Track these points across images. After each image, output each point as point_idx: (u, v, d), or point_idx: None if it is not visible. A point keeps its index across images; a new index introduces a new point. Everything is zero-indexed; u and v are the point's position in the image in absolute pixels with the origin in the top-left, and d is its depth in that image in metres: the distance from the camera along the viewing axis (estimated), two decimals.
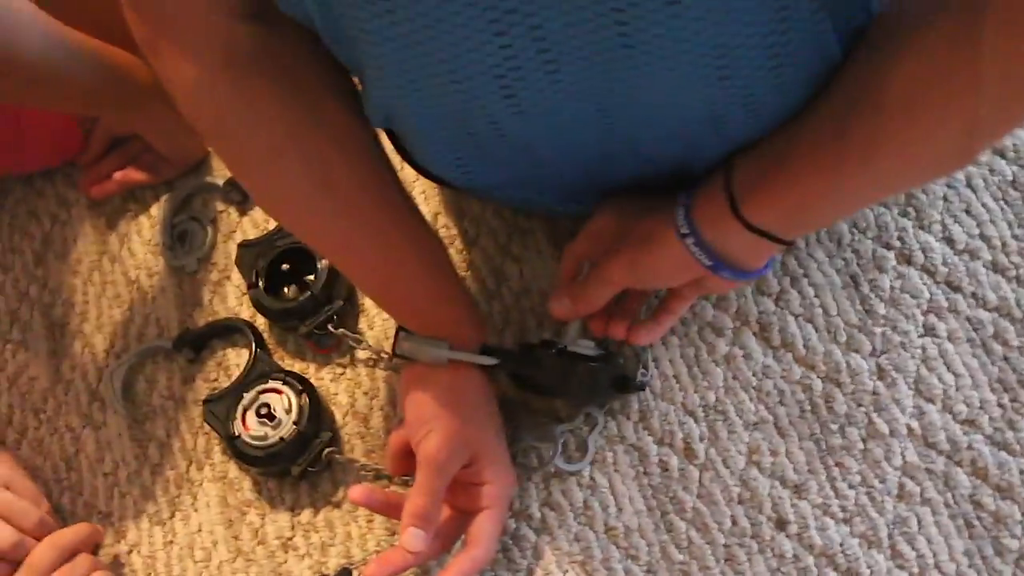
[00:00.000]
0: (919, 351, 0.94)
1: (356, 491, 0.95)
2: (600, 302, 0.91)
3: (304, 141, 0.82)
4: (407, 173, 1.03)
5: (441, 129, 0.80)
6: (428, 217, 1.10)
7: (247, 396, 1.05)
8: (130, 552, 1.11)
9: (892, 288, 0.96)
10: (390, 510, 0.96)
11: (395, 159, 0.91)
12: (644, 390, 0.99)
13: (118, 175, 1.23)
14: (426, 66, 0.71)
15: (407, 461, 0.94)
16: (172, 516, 1.11)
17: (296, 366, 1.11)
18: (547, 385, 0.96)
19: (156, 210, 1.23)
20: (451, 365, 0.92)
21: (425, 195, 1.12)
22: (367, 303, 1.11)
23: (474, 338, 0.94)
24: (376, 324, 1.10)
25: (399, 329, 0.93)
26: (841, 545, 0.91)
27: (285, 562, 1.05)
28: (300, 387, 1.05)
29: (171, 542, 1.10)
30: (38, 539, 1.03)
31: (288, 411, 1.04)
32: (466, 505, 0.94)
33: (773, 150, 0.76)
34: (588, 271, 0.91)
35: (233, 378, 1.10)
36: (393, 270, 0.91)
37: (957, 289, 0.95)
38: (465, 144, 0.82)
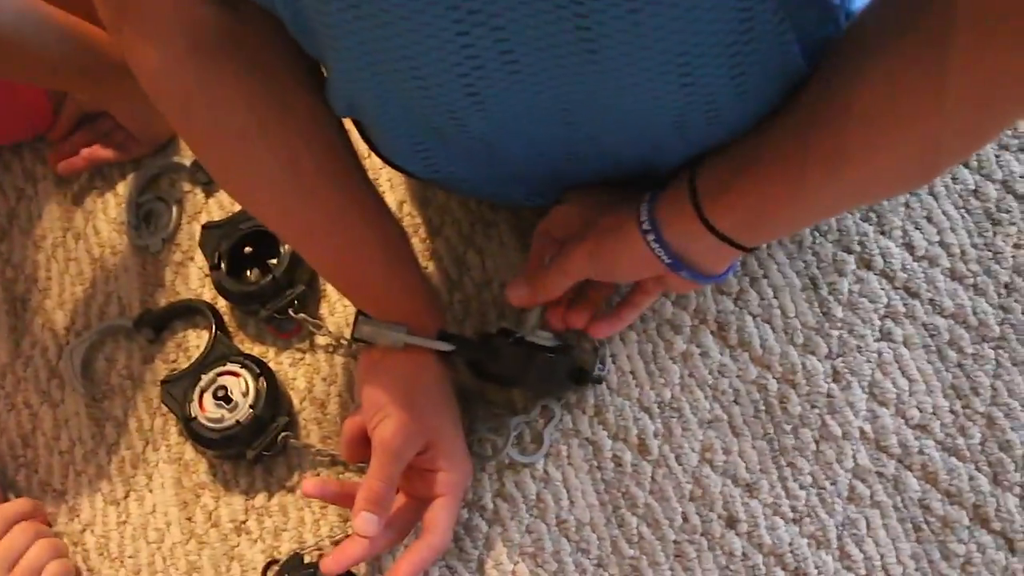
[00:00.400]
0: (875, 355, 0.95)
1: (309, 484, 0.96)
2: (557, 291, 0.91)
3: (269, 126, 0.82)
4: (373, 161, 1.03)
5: (404, 122, 0.80)
6: (393, 205, 1.10)
7: (205, 378, 1.05)
8: (83, 531, 1.10)
9: (851, 292, 0.97)
10: (344, 500, 0.95)
11: (361, 147, 0.91)
12: (601, 384, 0.99)
13: (86, 151, 1.22)
14: (388, 61, 0.71)
15: (362, 447, 0.93)
16: (127, 496, 1.10)
17: (256, 350, 1.11)
18: (504, 375, 0.96)
19: (122, 188, 1.23)
20: (408, 351, 0.92)
21: (391, 183, 1.12)
22: (328, 289, 1.11)
23: (432, 325, 0.94)
24: (337, 310, 1.10)
25: (358, 313, 0.93)
26: (790, 545, 0.92)
27: (238, 545, 1.05)
28: (258, 371, 1.05)
29: (125, 522, 1.09)
30: None
31: (245, 394, 1.04)
32: (421, 492, 0.94)
33: (738, 156, 0.77)
34: (550, 260, 0.91)
35: (192, 360, 1.09)
36: (353, 256, 0.91)
37: (915, 295, 0.95)
38: (428, 137, 0.82)
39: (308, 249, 0.95)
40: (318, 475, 1.04)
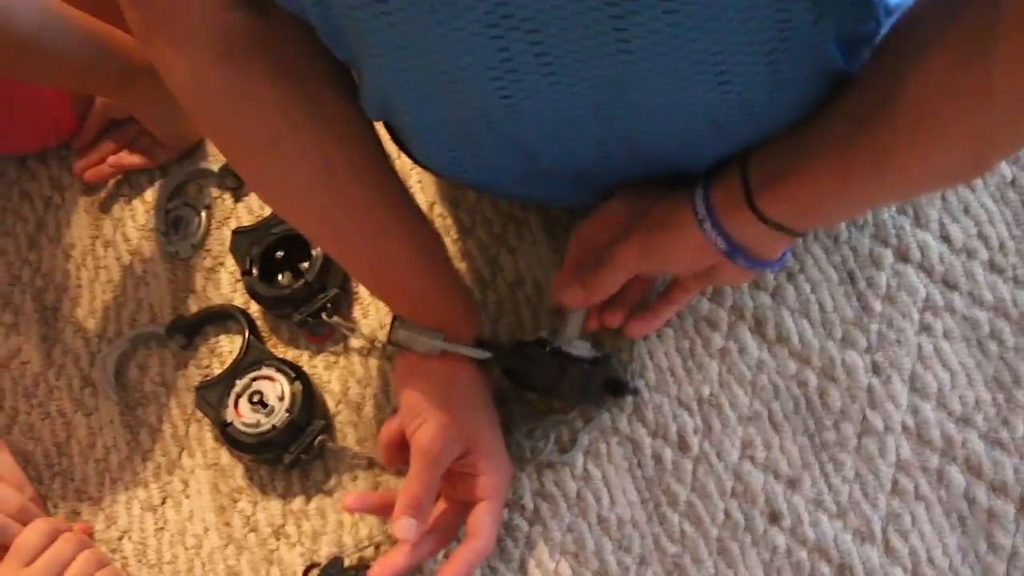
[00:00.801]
0: (915, 348, 0.94)
1: (350, 499, 0.96)
2: (612, 288, 0.90)
3: (301, 130, 0.82)
4: (403, 162, 1.03)
5: (437, 127, 0.80)
6: (424, 206, 1.10)
7: (240, 383, 1.05)
8: (121, 538, 1.10)
9: (889, 285, 0.96)
10: (385, 510, 0.96)
11: (391, 149, 0.91)
12: (637, 395, 0.99)
13: (112, 158, 1.22)
14: (422, 67, 0.71)
15: (400, 452, 0.93)
16: (163, 503, 1.10)
17: (289, 354, 1.11)
18: (539, 384, 0.96)
19: (150, 195, 1.23)
20: (445, 356, 0.92)
21: (421, 184, 1.12)
22: (362, 291, 1.11)
23: (469, 330, 0.94)
24: (370, 313, 1.09)
25: (395, 318, 0.93)
26: (834, 540, 0.91)
27: (276, 550, 1.05)
28: (293, 374, 1.05)
29: (162, 528, 1.09)
30: (23, 524, 1.03)
31: (281, 398, 1.03)
32: (463, 496, 0.94)
33: (788, 149, 0.77)
34: (596, 259, 0.91)
35: (226, 365, 1.09)
36: (388, 260, 0.91)
37: (954, 288, 0.95)
38: (460, 141, 0.82)
39: (342, 253, 0.95)
40: (355, 478, 1.04)
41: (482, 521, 0.91)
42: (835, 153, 0.73)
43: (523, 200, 1.07)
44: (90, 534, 1.10)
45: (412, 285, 0.93)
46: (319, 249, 1.08)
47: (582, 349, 0.93)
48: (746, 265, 0.84)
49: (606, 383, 0.96)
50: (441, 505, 0.96)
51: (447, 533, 0.95)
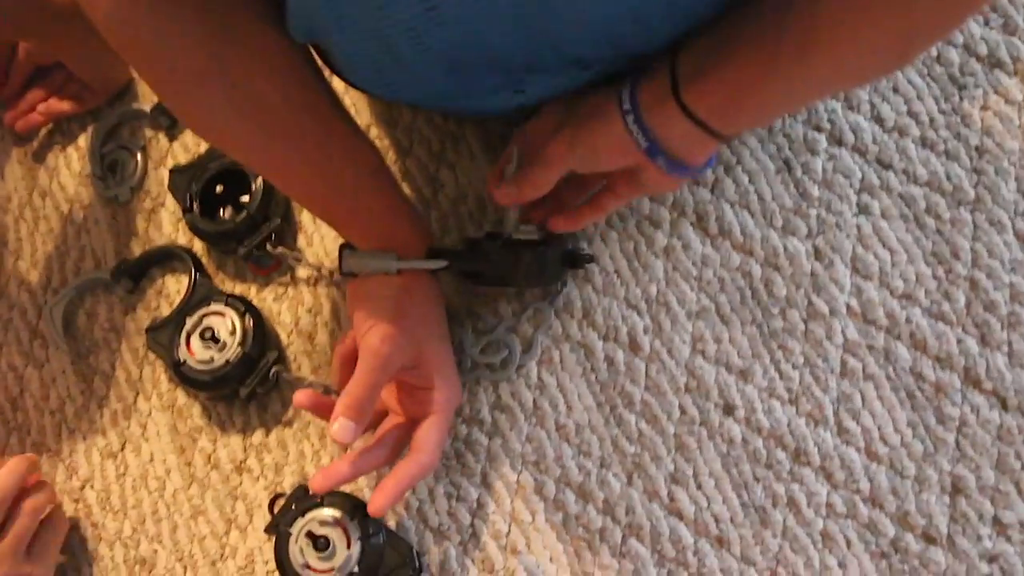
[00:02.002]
0: (854, 230, 0.95)
1: (300, 395, 0.94)
2: (543, 185, 0.89)
3: (228, 63, 0.81)
4: (337, 85, 1.02)
5: (362, 47, 0.79)
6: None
7: (190, 321, 1.05)
8: (83, 487, 1.10)
9: (825, 170, 0.97)
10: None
11: (324, 71, 0.90)
12: (592, 262, 0.99)
13: (42, 106, 1.21)
14: None
15: (352, 371, 0.91)
16: (123, 448, 1.10)
17: (237, 288, 1.11)
18: (496, 276, 0.95)
19: (84, 141, 1.22)
20: (399, 275, 0.91)
21: (355, 108, 1.11)
22: (305, 219, 1.10)
23: (420, 243, 0.93)
24: (315, 240, 1.09)
25: (342, 247, 0.93)
26: (788, 425, 0.92)
27: (240, 484, 1.05)
28: (243, 308, 1.04)
29: (124, 474, 1.09)
30: None
31: (232, 333, 1.03)
32: (411, 411, 0.94)
33: (717, 38, 0.77)
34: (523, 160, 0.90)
35: (175, 305, 1.09)
36: (332, 185, 0.90)
37: (888, 167, 0.96)
38: (388, 61, 0.81)
39: (285, 183, 0.95)
40: None
41: (428, 436, 0.91)
42: (760, 44, 0.73)
43: (459, 115, 1.06)
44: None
45: (359, 206, 0.92)
46: (259, 180, 1.07)
47: (529, 233, 0.93)
48: (666, 167, 0.83)
49: (562, 257, 0.97)
50: (390, 420, 0.95)
51: (394, 448, 0.94)
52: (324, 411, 0.93)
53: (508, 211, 0.93)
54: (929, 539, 0.88)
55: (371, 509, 0.89)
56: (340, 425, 0.86)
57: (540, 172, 0.88)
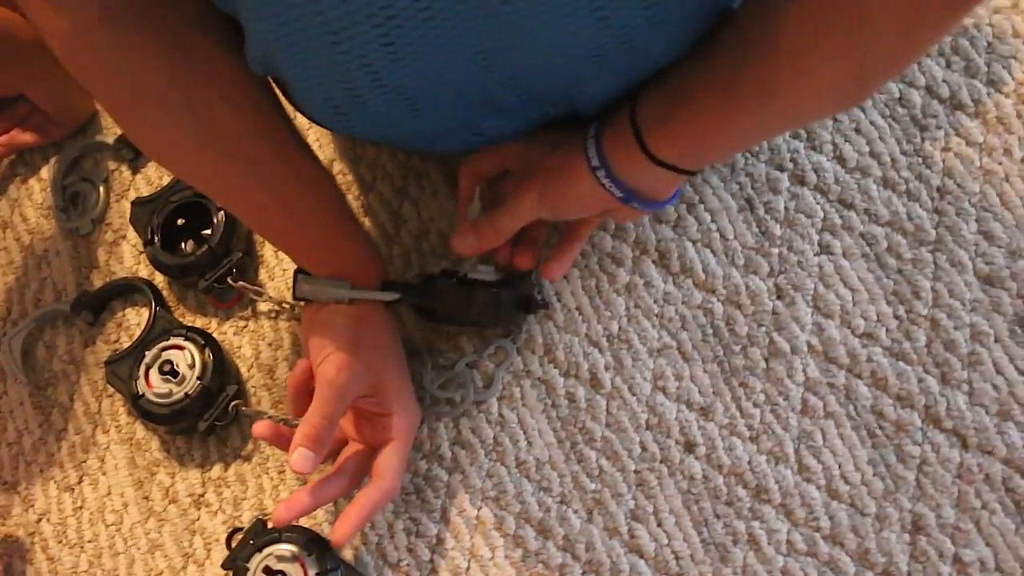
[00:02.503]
0: (816, 269, 0.95)
1: (259, 426, 0.93)
2: (508, 234, 0.91)
3: (188, 90, 0.80)
4: (300, 120, 1.02)
5: (321, 83, 0.79)
6: (324, 164, 1.09)
7: (149, 354, 1.04)
8: (39, 520, 1.09)
9: (787, 209, 0.97)
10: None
11: (288, 107, 0.90)
12: (547, 308, 1.00)
13: (4, 138, 1.20)
14: (300, 18, 0.70)
15: (309, 399, 0.91)
16: (80, 481, 1.09)
17: (198, 322, 1.10)
18: (449, 314, 0.96)
19: (46, 172, 1.21)
20: (350, 316, 0.91)
21: (319, 143, 1.11)
22: (267, 254, 1.10)
23: (374, 275, 0.93)
24: (276, 275, 1.09)
25: (296, 272, 0.92)
26: (749, 463, 0.92)
27: (198, 519, 1.04)
28: (203, 342, 1.04)
29: (81, 507, 1.08)
30: None
31: (192, 366, 1.02)
32: (370, 439, 0.93)
33: (674, 88, 0.77)
34: (487, 201, 0.91)
35: (134, 338, 1.08)
36: (289, 213, 0.90)
37: (850, 206, 0.96)
38: (346, 98, 0.80)
39: (242, 211, 0.94)
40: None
41: (388, 462, 0.91)
42: (722, 86, 0.74)
43: (419, 150, 1.06)
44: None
45: (314, 236, 0.92)
46: (221, 214, 1.06)
47: (486, 273, 0.93)
48: (641, 207, 0.85)
49: (517, 301, 0.96)
50: (350, 448, 0.95)
51: (354, 476, 0.93)
52: (283, 442, 0.93)
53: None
54: None
55: (334, 537, 0.88)
56: (299, 455, 0.85)
57: (507, 221, 0.89)
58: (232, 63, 0.82)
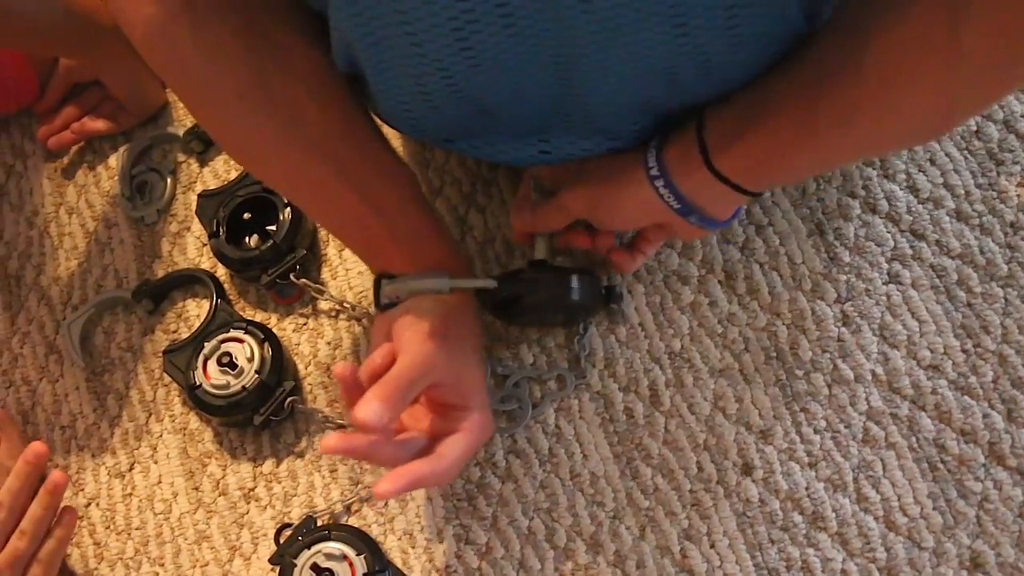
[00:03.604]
0: (883, 298, 0.95)
1: (331, 439, 0.79)
2: (556, 225, 0.91)
3: (269, 82, 0.81)
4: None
5: (396, 85, 0.79)
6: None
7: (208, 345, 1.04)
8: (88, 505, 1.09)
9: (857, 236, 0.97)
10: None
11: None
12: (623, 300, 0.99)
13: (75, 124, 1.21)
14: (381, 16, 0.70)
15: (361, 392, 0.82)
16: (131, 468, 1.09)
17: (258, 316, 1.10)
18: (546, 301, 0.93)
19: (115, 161, 1.22)
20: (441, 304, 0.86)
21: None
22: (330, 252, 1.10)
23: (463, 268, 0.91)
24: (339, 274, 1.09)
25: (379, 278, 0.89)
26: (807, 489, 0.92)
27: (247, 513, 1.04)
28: (262, 336, 1.04)
29: (130, 494, 1.08)
30: None
31: (250, 360, 1.03)
32: (443, 431, 0.86)
33: (747, 107, 0.76)
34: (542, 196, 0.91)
35: (193, 329, 1.08)
36: (373, 207, 0.87)
37: (921, 237, 0.96)
38: (419, 102, 0.80)
39: (320, 208, 0.93)
40: None
41: (453, 446, 0.84)
42: (797, 108, 0.73)
43: (487, 159, 1.06)
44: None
45: (402, 229, 0.89)
46: (287, 210, 1.07)
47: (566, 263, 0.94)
48: (698, 223, 0.84)
49: (603, 290, 0.96)
50: (419, 426, 0.88)
51: (412, 452, 0.84)
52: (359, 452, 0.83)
53: (539, 240, 0.94)
54: None
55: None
56: (371, 407, 0.77)
57: (554, 213, 0.90)
58: (314, 56, 0.82)
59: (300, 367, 1.07)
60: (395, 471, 0.80)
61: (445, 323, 0.85)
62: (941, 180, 0.97)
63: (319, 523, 0.99)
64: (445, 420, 0.86)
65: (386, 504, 0.99)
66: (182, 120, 1.21)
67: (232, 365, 1.02)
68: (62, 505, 1.02)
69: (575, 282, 0.92)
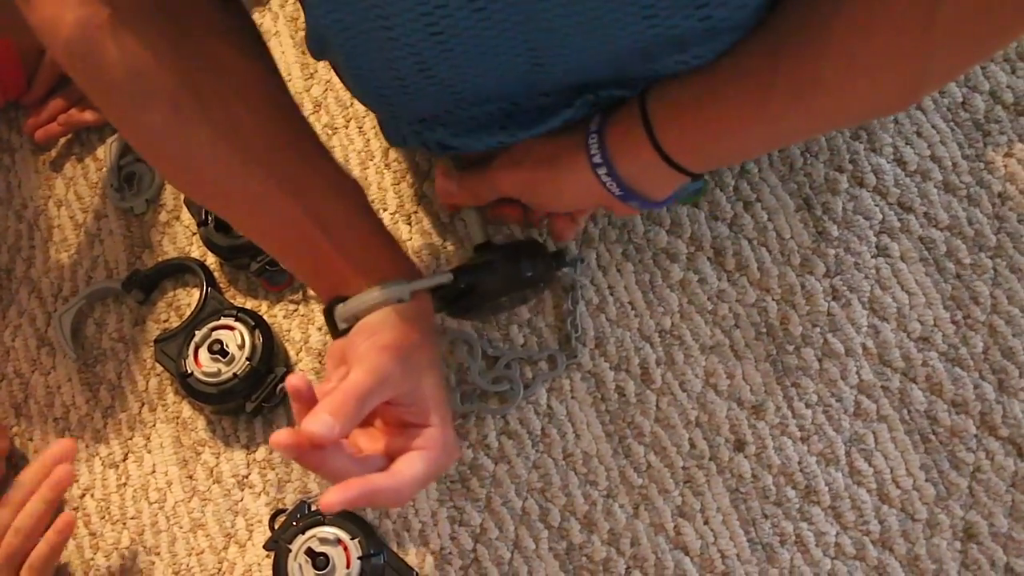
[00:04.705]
0: (873, 271, 0.95)
1: (281, 433, 0.72)
2: (481, 199, 0.90)
3: (203, 92, 0.76)
4: (357, 108, 1.03)
5: (369, 71, 0.77)
6: (379, 151, 1.09)
7: (199, 333, 1.04)
8: (83, 496, 1.09)
9: (845, 210, 0.97)
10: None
11: (344, 96, 0.90)
12: (584, 262, 1.00)
13: (63, 117, 1.21)
14: (353, 2, 0.69)
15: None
16: (125, 458, 1.09)
17: (248, 304, 1.10)
18: (505, 280, 0.91)
19: (102, 152, 1.21)
20: (395, 316, 0.80)
21: (375, 131, 1.11)
22: None
23: (415, 270, 0.86)
24: None
25: (329, 305, 0.83)
26: (799, 463, 0.92)
27: (241, 500, 1.04)
28: (253, 323, 1.04)
29: (125, 484, 1.08)
30: None
31: (241, 347, 1.03)
32: (402, 448, 0.80)
33: (696, 81, 0.74)
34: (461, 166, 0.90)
35: (184, 318, 1.08)
36: (317, 219, 0.82)
37: (909, 210, 0.95)
38: (394, 89, 0.79)
39: (263, 225, 0.85)
40: None
41: (410, 464, 0.78)
42: (754, 82, 0.71)
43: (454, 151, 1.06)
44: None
45: (354, 243, 0.84)
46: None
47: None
48: (639, 206, 0.82)
49: (553, 256, 0.94)
50: (376, 447, 0.82)
51: (368, 470, 0.78)
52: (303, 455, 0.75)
53: (470, 221, 0.95)
54: None
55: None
56: (320, 419, 0.71)
57: (481, 189, 0.88)
58: (248, 65, 0.80)
59: (291, 353, 1.07)
60: (346, 482, 0.73)
61: (399, 336, 0.80)
62: (928, 152, 0.97)
63: (313, 508, 0.99)
64: (404, 439, 0.80)
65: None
66: None
67: (223, 353, 1.02)
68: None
69: (526, 251, 0.92)
